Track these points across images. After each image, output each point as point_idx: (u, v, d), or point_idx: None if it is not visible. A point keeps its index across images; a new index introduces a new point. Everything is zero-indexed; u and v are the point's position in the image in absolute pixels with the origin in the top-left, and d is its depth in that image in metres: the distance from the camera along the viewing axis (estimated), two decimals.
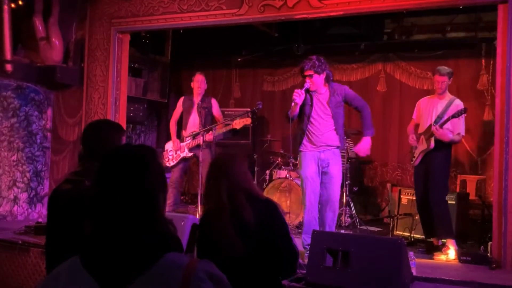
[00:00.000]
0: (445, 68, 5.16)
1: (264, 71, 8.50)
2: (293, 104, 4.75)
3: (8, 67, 6.09)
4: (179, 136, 6.36)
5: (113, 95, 6.32)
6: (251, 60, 8.38)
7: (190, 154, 6.23)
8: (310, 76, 4.76)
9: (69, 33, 6.72)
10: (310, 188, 4.75)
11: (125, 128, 6.66)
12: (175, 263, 1.32)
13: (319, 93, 4.85)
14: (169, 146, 6.36)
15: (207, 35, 7.15)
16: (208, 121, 6.23)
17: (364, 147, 4.88)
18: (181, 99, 6.48)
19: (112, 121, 3.30)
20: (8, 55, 6.04)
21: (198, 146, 6.03)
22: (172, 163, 6.26)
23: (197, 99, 6.25)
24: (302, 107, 4.83)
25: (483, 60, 7.01)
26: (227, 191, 2.63)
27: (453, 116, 4.85)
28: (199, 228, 2.76)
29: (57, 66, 6.53)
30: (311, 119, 4.81)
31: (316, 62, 4.74)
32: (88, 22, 6.52)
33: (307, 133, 4.82)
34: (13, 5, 6.12)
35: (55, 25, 6.55)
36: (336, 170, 4.78)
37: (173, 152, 6.28)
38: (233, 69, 8.70)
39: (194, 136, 6.08)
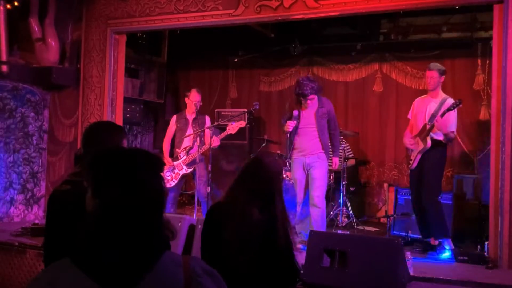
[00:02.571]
0: (436, 65, 5.14)
1: (260, 72, 8.50)
2: (286, 132, 5.39)
3: (4, 68, 6.07)
4: (172, 155, 6.27)
5: (109, 96, 6.31)
6: (248, 61, 8.38)
7: (189, 170, 6.09)
8: (312, 99, 5.31)
9: (65, 34, 6.71)
10: (298, 188, 5.40)
11: None
12: (174, 261, 1.35)
13: (307, 105, 5.36)
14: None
15: (203, 36, 7.15)
16: (202, 137, 6.11)
17: (336, 164, 5.64)
18: (174, 117, 6.36)
19: (114, 122, 3.29)
20: (3, 56, 6.03)
21: (194, 161, 6.02)
22: (173, 183, 6.07)
23: (191, 116, 6.21)
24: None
25: (479, 60, 7.03)
26: (247, 192, 2.62)
27: (448, 109, 4.82)
28: (209, 215, 2.73)
29: (53, 67, 6.51)
30: (298, 130, 5.37)
31: (314, 85, 5.26)
32: (84, 23, 6.51)
33: (295, 142, 5.40)
34: (8, 6, 6.11)
35: (51, 26, 6.53)
36: (319, 173, 5.32)
37: (170, 172, 6.08)
38: (230, 69, 8.69)
39: (188, 151, 6.06)
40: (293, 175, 5.49)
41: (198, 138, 5.96)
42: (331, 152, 5.67)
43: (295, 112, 5.34)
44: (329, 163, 5.58)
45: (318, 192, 5.28)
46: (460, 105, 4.85)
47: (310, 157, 5.34)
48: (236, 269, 2.49)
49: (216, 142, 5.89)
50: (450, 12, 6.68)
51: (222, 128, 6.16)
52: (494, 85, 4.66)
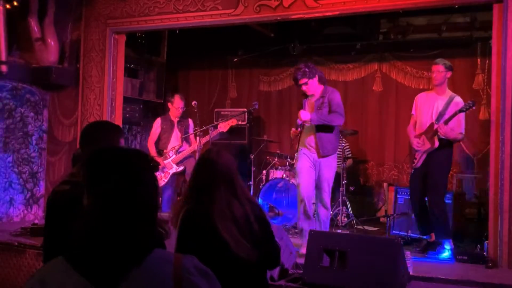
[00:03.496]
0: (442, 59, 5.06)
1: (260, 71, 8.50)
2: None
3: (3, 68, 6.06)
4: (160, 155, 6.36)
5: (109, 95, 6.31)
6: (247, 60, 8.38)
7: (180, 169, 6.23)
8: (306, 83, 4.99)
9: (65, 34, 6.70)
10: (304, 181, 5.02)
11: None
12: (164, 258, 1.35)
13: (313, 96, 5.09)
14: None
15: (203, 36, 7.15)
16: (187, 138, 6.40)
17: (304, 114, 4.95)
18: (158, 120, 6.53)
19: (112, 122, 3.30)
20: (3, 56, 6.02)
21: (184, 158, 6.19)
22: (162, 183, 6.21)
23: (176, 119, 6.45)
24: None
25: (478, 60, 7.03)
26: (222, 189, 2.61)
27: (461, 110, 4.75)
28: (185, 224, 2.67)
29: (52, 67, 6.51)
30: (304, 123, 5.07)
31: (306, 69, 4.96)
32: (84, 22, 6.51)
33: (301, 135, 5.12)
34: (8, 6, 6.10)
35: (50, 25, 6.53)
36: (327, 173, 5.05)
37: (160, 172, 6.18)
38: (229, 69, 8.70)
39: (177, 150, 6.20)
40: (298, 167, 5.08)
41: (197, 139, 6.01)
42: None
43: (299, 121, 5.07)
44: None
45: (328, 193, 5.08)
46: (474, 107, 4.79)
47: (315, 154, 5.02)
48: (230, 265, 2.49)
49: (211, 140, 6.04)
50: (450, 11, 6.68)
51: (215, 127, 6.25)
52: (494, 85, 4.65)
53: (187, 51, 8.27)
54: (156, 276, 1.31)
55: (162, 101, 8.39)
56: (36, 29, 6.51)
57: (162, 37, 7.96)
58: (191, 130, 6.41)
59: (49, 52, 6.53)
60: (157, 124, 6.49)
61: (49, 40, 6.52)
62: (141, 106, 7.87)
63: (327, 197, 5.10)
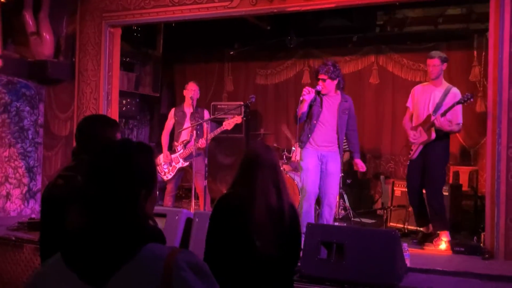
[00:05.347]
0: (437, 52, 5.08)
1: (256, 64, 8.47)
2: (301, 98, 4.95)
3: None
4: (171, 148, 6.23)
5: (105, 89, 6.29)
6: (244, 54, 8.35)
7: (186, 164, 6.07)
8: (324, 80, 5.01)
9: (60, 28, 6.67)
10: (311, 178, 5.00)
11: None
12: (155, 254, 1.33)
13: (330, 96, 5.10)
14: (160, 159, 6.12)
15: (199, 29, 7.12)
16: (201, 131, 6.08)
17: (362, 166, 5.37)
18: (172, 110, 6.32)
19: (107, 116, 3.29)
20: None
21: (191, 154, 5.97)
22: (169, 176, 6.09)
23: (189, 109, 6.14)
24: (310, 107, 5.05)
25: (475, 52, 7.02)
26: (264, 174, 2.61)
27: (459, 102, 4.76)
28: (219, 206, 2.68)
29: (48, 61, 6.48)
30: (320, 119, 5.04)
31: (331, 68, 5.01)
32: (79, 16, 6.48)
33: (313, 132, 5.05)
34: (2, 0, 6.06)
35: (45, 19, 6.49)
36: (334, 167, 5.06)
37: (167, 165, 6.09)
38: (226, 62, 8.67)
39: (185, 145, 6.05)
40: (305, 165, 5.04)
41: (195, 132, 5.94)
42: (346, 147, 5.50)
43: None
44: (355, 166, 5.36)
45: (336, 190, 5.05)
46: (472, 100, 4.80)
47: (326, 150, 5.06)
48: (256, 254, 2.48)
49: (210, 137, 5.88)
50: (446, 3, 6.67)
51: (218, 122, 6.14)
52: (490, 77, 4.66)
53: (183, 44, 8.24)
54: (145, 271, 1.29)
55: (159, 95, 8.37)
56: (31, 23, 6.48)
57: (158, 30, 7.93)
58: (205, 122, 6.07)
59: (45, 46, 6.50)
60: (171, 114, 6.27)
61: (44, 34, 6.48)
62: (137, 100, 7.85)
63: (333, 193, 5.06)
